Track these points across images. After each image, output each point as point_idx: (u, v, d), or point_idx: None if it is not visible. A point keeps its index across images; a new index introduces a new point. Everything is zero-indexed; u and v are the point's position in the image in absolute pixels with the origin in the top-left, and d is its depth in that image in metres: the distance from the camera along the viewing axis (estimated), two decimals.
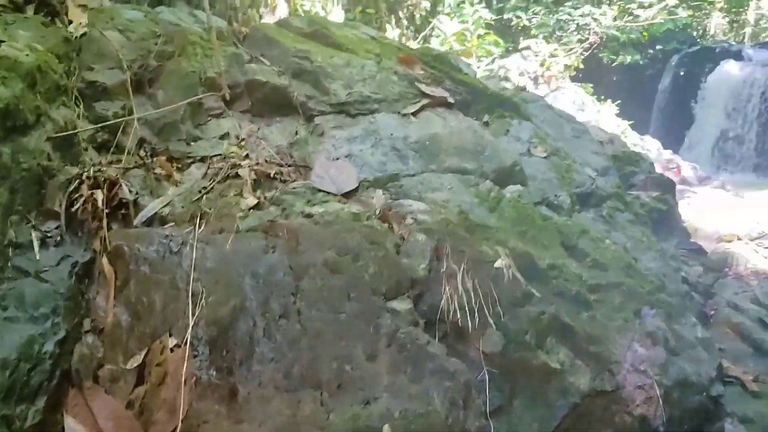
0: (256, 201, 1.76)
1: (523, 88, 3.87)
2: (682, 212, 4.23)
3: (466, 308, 1.61)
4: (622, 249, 2.13)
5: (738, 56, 11.79)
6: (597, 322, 1.72)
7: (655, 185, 3.19)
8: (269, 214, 1.69)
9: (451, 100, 2.80)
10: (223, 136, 2.35)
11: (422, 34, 7.54)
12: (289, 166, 2.05)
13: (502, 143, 2.45)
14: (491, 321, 1.61)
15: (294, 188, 1.87)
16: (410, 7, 7.65)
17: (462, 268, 1.66)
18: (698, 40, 14.71)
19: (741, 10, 20.13)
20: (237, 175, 1.91)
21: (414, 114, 2.61)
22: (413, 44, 7.21)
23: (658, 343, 1.72)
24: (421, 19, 7.68)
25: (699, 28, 17.65)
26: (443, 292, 1.61)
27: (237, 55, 2.62)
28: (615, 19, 7.19)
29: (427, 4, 7.64)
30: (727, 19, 20.64)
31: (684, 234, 3.18)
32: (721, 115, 11.16)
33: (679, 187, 6.22)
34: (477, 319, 1.60)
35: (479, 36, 8.03)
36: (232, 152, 2.13)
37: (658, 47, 9.01)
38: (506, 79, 7.13)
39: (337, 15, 6.81)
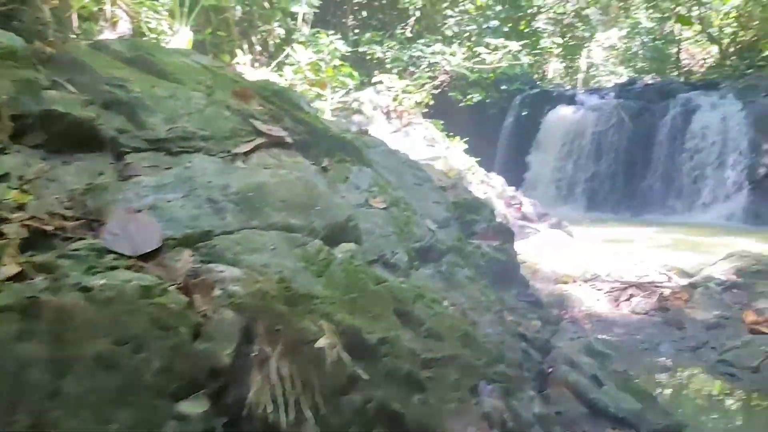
0: (17, 269, 1.39)
1: (366, 132, 3.74)
2: (522, 251, 4.30)
3: (280, 400, 1.36)
4: (460, 312, 2.00)
5: (572, 100, 12.79)
6: (429, 406, 1.55)
7: (496, 233, 3.17)
8: (32, 288, 1.34)
9: (289, 140, 2.57)
10: (2, 178, 1.94)
11: (276, 61, 7.30)
12: (77, 219, 1.69)
13: (338, 193, 2.25)
14: (309, 415, 1.38)
15: (76, 250, 1.52)
16: (264, 33, 7.39)
17: (277, 351, 1.42)
18: (538, 82, 15.82)
19: (575, 57, 22.04)
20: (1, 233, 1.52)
21: (246, 154, 2.35)
22: (265, 71, 6.93)
23: (495, 425, 1.58)
24: (275, 46, 7.44)
25: (539, 71, 19.02)
26: (252, 383, 1.35)
27: (30, 81, 2.21)
28: (464, 59, 7.41)
29: (281, 31, 7.42)
30: (563, 64, 22.53)
31: (523, 284, 3.17)
32: (557, 155, 11.97)
33: (520, 222, 6.45)
34: (292, 414, 1.35)
35: (334, 67, 7.93)
36: (7, 199, 1.74)
37: (503, 88, 9.46)
38: (359, 112, 7.06)
39: (183, 36, 6.37)
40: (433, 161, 6.61)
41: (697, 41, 23.06)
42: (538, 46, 11.40)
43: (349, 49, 8.58)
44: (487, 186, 6.99)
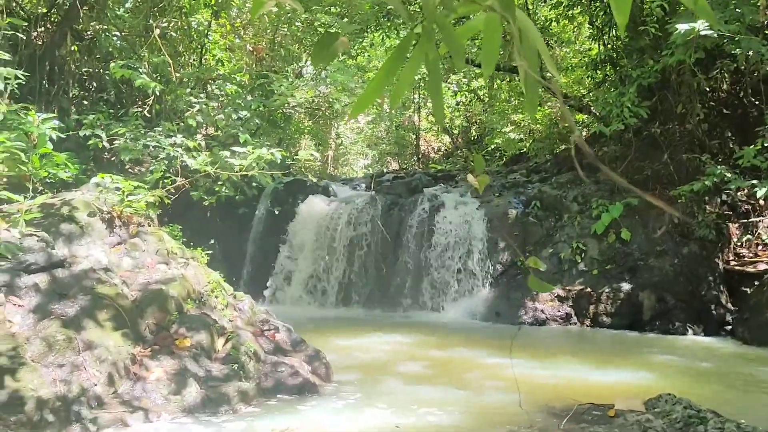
0: None
1: None
2: None
3: None
4: None
5: (325, 191, 12.48)
6: None
7: None
8: None
9: None
10: None
11: None
12: None
13: None
14: None
15: None
16: None
17: None
18: (289, 161, 15.41)
19: (326, 138, 22.45)
20: None
21: None
22: None
23: None
24: None
25: (291, 150, 18.71)
26: None
27: None
28: (206, 163, 6.41)
29: None
30: (314, 142, 22.74)
31: None
32: (309, 249, 11.43)
33: (273, 359, 5.52)
34: None
35: (42, 156, 6.36)
36: None
37: (254, 184, 8.63)
38: (70, 219, 5.60)
39: None
40: (167, 285, 5.43)
41: (432, 130, 25.21)
42: (290, 135, 10.88)
43: (66, 134, 7.06)
44: (234, 310, 5.97)
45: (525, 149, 17.39)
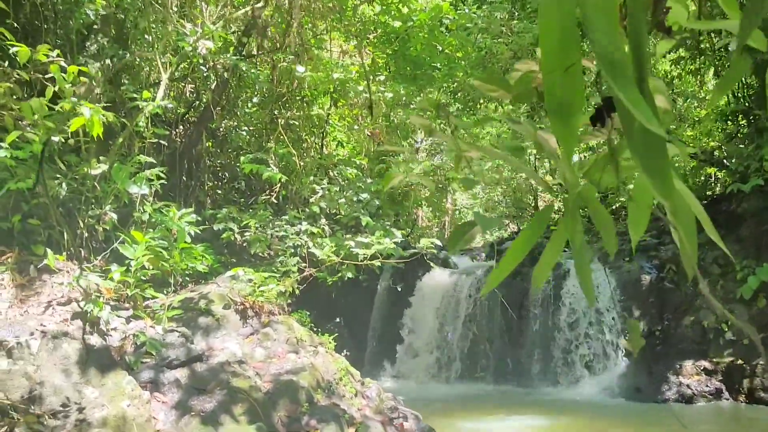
0: None
1: None
2: None
3: None
4: None
5: (446, 263, 12.41)
6: None
7: None
8: None
9: None
10: None
11: (104, 253, 6.05)
12: None
13: None
14: None
15: None
16: (91, 220, 6.17)
17: None
18: (408, 237, 15.55)
19: (441, 204, 22.60)
20: None
21: None
22: (91, 272, 5.64)
23: None
24: (104, 233, 6.22)
25: (410, 220, 18.91)
26: None
27: None
28: (331, 252, 6.60)
29: (114, 216, 6.25)
30: (430, 209, 22.95)
31: None
32: (433, 323, 11.31)
33: None
34: None
35: (182, 251, 6.81)
36: None
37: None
38: (207, 312, 5.90)
39: None
40: (297, 375, 5.53)
41: (551, 191, 24.59)
42: (408, 208, 11.01)
43: (201, 228, 7.55)
44: (362, 398, 5.96)
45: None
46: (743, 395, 9.14)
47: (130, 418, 4.34)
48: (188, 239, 7.03)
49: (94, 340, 4.70)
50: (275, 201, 9.48)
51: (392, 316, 11.55)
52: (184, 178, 9.35)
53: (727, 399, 9.22)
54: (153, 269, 6.14)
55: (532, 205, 24.86)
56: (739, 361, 9.28)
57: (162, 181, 7.49)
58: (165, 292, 6.16)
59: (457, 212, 27.64)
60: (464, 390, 10.43)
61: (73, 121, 4.93)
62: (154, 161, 7.51)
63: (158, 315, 5.45)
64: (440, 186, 18.97)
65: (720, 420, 8.58)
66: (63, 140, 5.99)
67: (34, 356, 4.37)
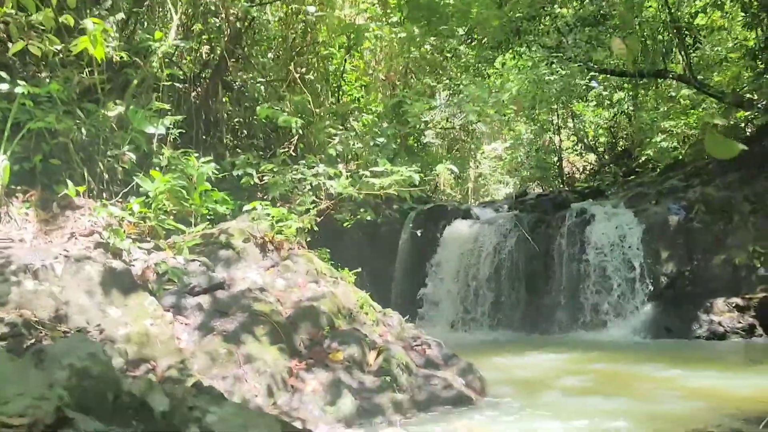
0: None
1: None
2: None
3: None
4: None
5: (467, 214, 12.34)
6: None
7: None
8: None
9: None
10: None
11: (123, 191, 6.13)
12: None
13: None
14: None
15: None
16: (111, 160, 6.25)
17: None
18: (430, 194, 15.46)
19: (464, 168, 22.39)
20: None
21: None
22: (112, 205, 5.73)
23: None
24: (124, 173, 6.30)
25: (431, 183, 18.84)
26: None
27: None
28: (350, 183, 6.58)
29: (132, 156, 6.31)
30: (453, 175, 22.77)
31: None
32: (456, 272, 11.28)
33: (424, 372, 5.40)
34: None
35: (203, 193, 6.87)
36: None
37: (395, 207, 8.72)
38: (228, 245, 5.96)
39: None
40: (318, 301, 5.56)
41: (575, 150, 24.17)
42: (430, 166, 10.93)
43: (222, 173, 7.61)
44: (384, 326, 5.98)
45: (680, 156, 16.07)
46: None
47: (153, 335, 4.41)
48: (208, 185, 7.09)
49: (117, 264, 4.78)
50: (293, 153, 9.49)
51: (415, 268, 11.54)
52: (202, 134, 9.41)
53: (761, 335, 9.06)
54: (173, 208, 6.21)
55: (556, 165, 24.50)
56: None
57: (180, 130, 7.55)
58: (187, 230, 6.23)
59: (481, 179, 27.39)
60: (490, 337, 10.41)
61: (79, 40, 4.95)
62: (170, 107, 7.55)
63: (179, 244, 5.51)
64: (463, 147, 18.81)
65: (752, 354, 8.44)
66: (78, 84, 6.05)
67: (59, 278, 4.47)
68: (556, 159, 24.44)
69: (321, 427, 4.40)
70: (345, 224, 7.35)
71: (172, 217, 6.28)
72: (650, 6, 16.85)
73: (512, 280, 11.16)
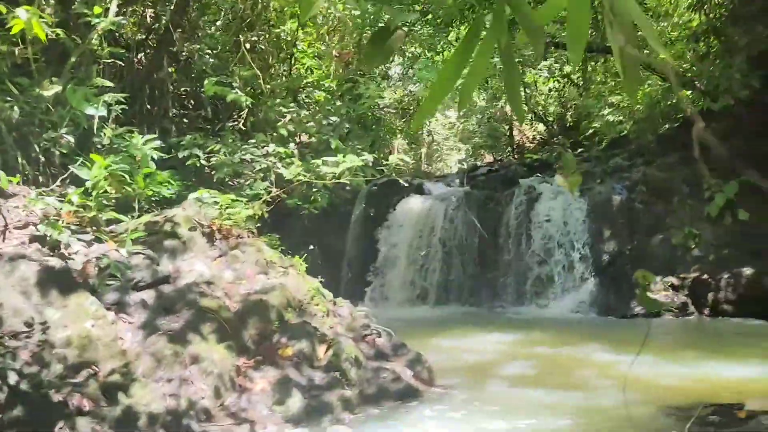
0: None
1: None
2: None
3: None
4: None
5: (420, 189, 12.37)
6: None
7: None
8: None
9: None
10: None
11: (62, 177, 5.87)
12: None
13: None
14: None
15: None
16: (47, 142, 5.94)
17: None
18: (383, 167, 15.41)
19: (417, 135, 22.40)
20: None
21: None
22: (48, 196, 5.48)
23: None
24: (62, 156, 6.01)
25: (385, 151, 18.76)
26: None
27: None
28: (299, 172, 6.46)
29: (70, 139, 6.02)
30: (406, 141, 22.76)
31: None
32: (407, 248, 11.36)
33: (373, 364, 5.44)
34: None
35: (146, 176, 6.63)
36: None
37: (347, 187, 8.66)
38: (173, 235, 5.80)
39: None
40: (267, 294, 5.50)
41: (525, 120, 24.41)
42: (382, 137, 10.86)
43: (166, 156, 7.37)
44: (334, 317, 5.98)
45: (625, 131, 16.45)
46: (707, 308, 9.40)
47: (95, 337, 4.29)
48: (152, 165, 6.85)
49: (54, 262, 4.59)
50: (243, 127, 9.26)
51: (367, 244, 11.56)
52: (147, 106, 9.05)
53: (692, 313, 9.49)
54: (115, 194, 5.98)
55: (507, 134, 24.74)
56: (705, 276, 9.50)
57: (123, 106, 7.24)
58: (130, 217, 6.02)
59: (435, 144, 27.45)
60: (438, 313, 10.60)
61: (13, 22, 4.63)
62: (113, 84, 7.22)
63: (121, 237, 5.34)
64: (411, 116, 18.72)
65: (685, 332, 8.86)
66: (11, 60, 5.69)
67: None
68: (507, 128, 24.68)
69: (269, 427, 4.40)
70: (301, 211, 7.24)
71: (114, 201, 6.06)
72: None
73: (462, 256, 11.32)
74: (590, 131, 19.34)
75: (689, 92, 12.83)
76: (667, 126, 13.51)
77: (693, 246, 9.94)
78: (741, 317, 8.84)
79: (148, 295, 4.99)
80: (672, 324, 9.17)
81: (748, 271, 9.19)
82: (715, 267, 9.55)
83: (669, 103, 13.96)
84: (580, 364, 6.41)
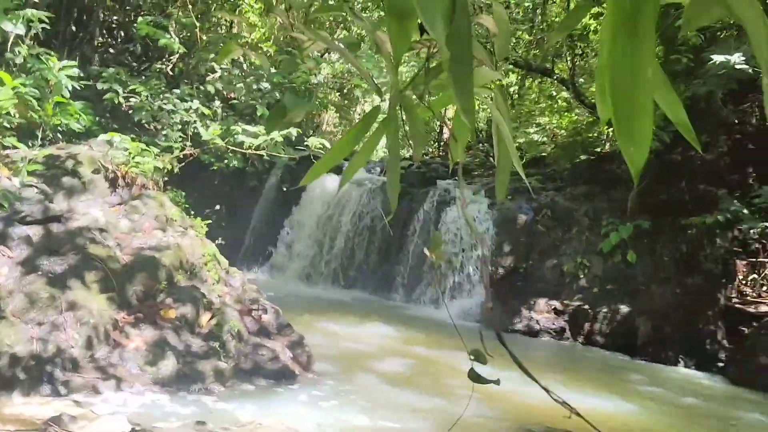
0: None
1: None
2: None
3: None
4: None
5: (339, 170, 12.39)
6: None
7: None
8: None
9: None
10: None
11: None
12: None
13: None
14: None
15: None
16: None
17: None
18: (309, 137, 15.29)
19: (350, 110, 22.34)
20: None
21: None
22: None
23: None
24: None
25: (313, 123, 18.62)
26: None
27: None
28: (217, 136, 6.35)
29: None
30: (338, 115, 22.66)
31: None
32: (314, 228, 11.41)
33: (254, 340, 5.50)
34: None
35: (57, 104, 6.33)
36: None
37: (265, 158, 8.58)
38: (73, 173, 5.59)
39: None
40: (160, 252, 5.43)
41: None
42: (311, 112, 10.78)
43: (85, 84, 7.04)
44: (225, 286, 5.97)
45: (546, 153, 17.14)
46: (582, 336, 10.05)
47: None
48: (66, 94, 6.54)
49: None
50: (170, 73, 8.96)
51: (275, 216, 11.52)
52: (72, 28, 8.58)
53: (568, 338, 10.11)
54: (19, 118, 5.69)
55: (437, 130, 25.13)
56: (585, 306, 10.15)
57: (44, 25, 6.84)
58: (30, 144, 5.75)
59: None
60: (332, 295, 10.73)
61: None
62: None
63: (17, 166, 5.09)
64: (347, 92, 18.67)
65: (557, 353, 9.43)
66: None
67: None
68: (438, 124, 25.03)
69: (136, 386, 4.38)
70: (213, 167, 7.12)
71: (16, 126, 5.77)
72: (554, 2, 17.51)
73: (367, 244, 11.50)
74: (515, 145, 20.04)
75: (609, 129, 13.52)
76: (583, 157, 14.20)
77: (581, 276, 10.56)
78: (610, 350, 9.51)
79: (35, 232, 4.81)
80: (547, 345, 9.74)
81: (624, 308, 9.90)
82: (597, 299, 10.21)
83: (590, 136, 14.68)
84: (451, 371, 6.71)
